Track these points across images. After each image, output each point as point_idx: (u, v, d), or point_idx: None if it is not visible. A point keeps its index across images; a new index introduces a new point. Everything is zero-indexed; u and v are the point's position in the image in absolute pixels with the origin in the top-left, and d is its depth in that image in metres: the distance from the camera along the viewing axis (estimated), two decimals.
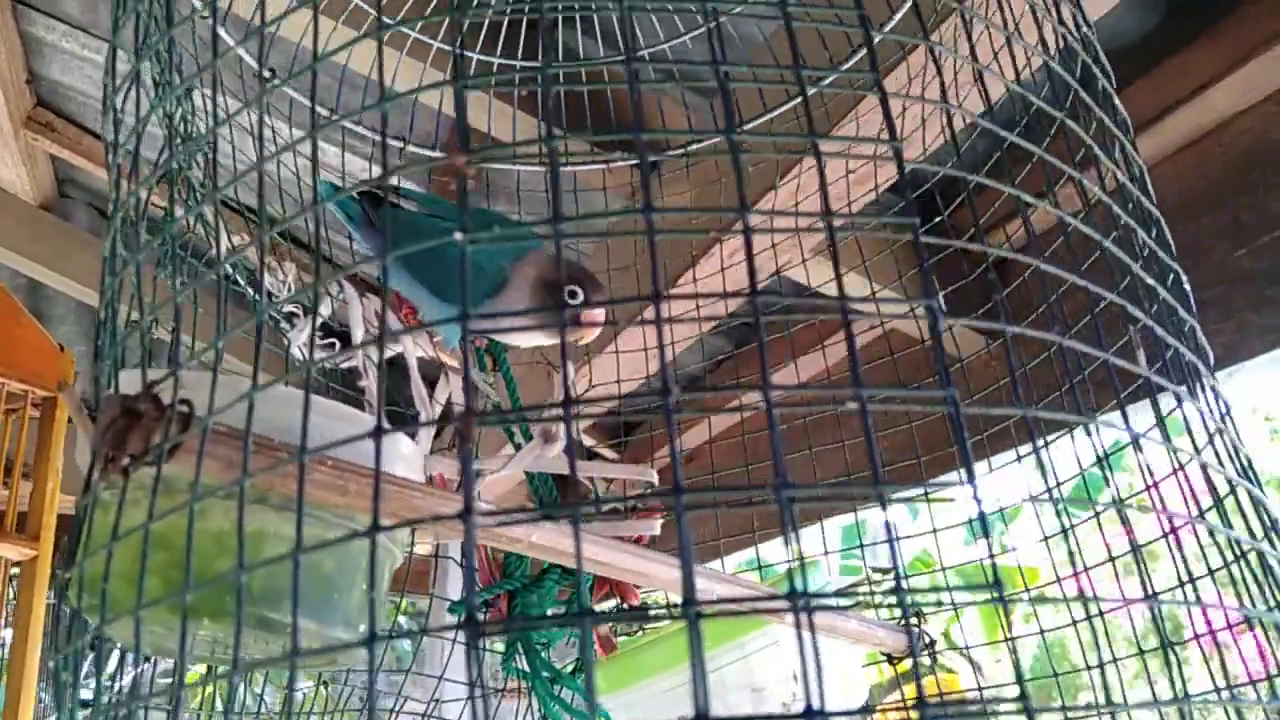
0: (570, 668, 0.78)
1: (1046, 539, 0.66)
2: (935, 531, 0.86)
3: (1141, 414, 0.49)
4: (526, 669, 0.77)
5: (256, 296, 0.82)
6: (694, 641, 0.27)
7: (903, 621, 0.74)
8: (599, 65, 0.76)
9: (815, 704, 0.27)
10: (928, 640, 0.76)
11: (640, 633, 0.89)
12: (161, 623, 0.44)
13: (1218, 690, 0.52)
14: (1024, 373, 0.88)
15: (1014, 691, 0.30)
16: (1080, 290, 0.45)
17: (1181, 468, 0.45)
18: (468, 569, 0.28)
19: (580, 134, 1.08)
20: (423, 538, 2.19)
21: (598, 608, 0.81)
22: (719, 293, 1.14)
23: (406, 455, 0.54)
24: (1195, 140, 1.25)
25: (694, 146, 1.01)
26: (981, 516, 0.31)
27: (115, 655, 0.58)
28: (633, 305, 1.25)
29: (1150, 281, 0.45)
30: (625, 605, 0.79)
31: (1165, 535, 0.48)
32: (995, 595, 0.31)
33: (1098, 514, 0.55)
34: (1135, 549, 0.50)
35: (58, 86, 1.76)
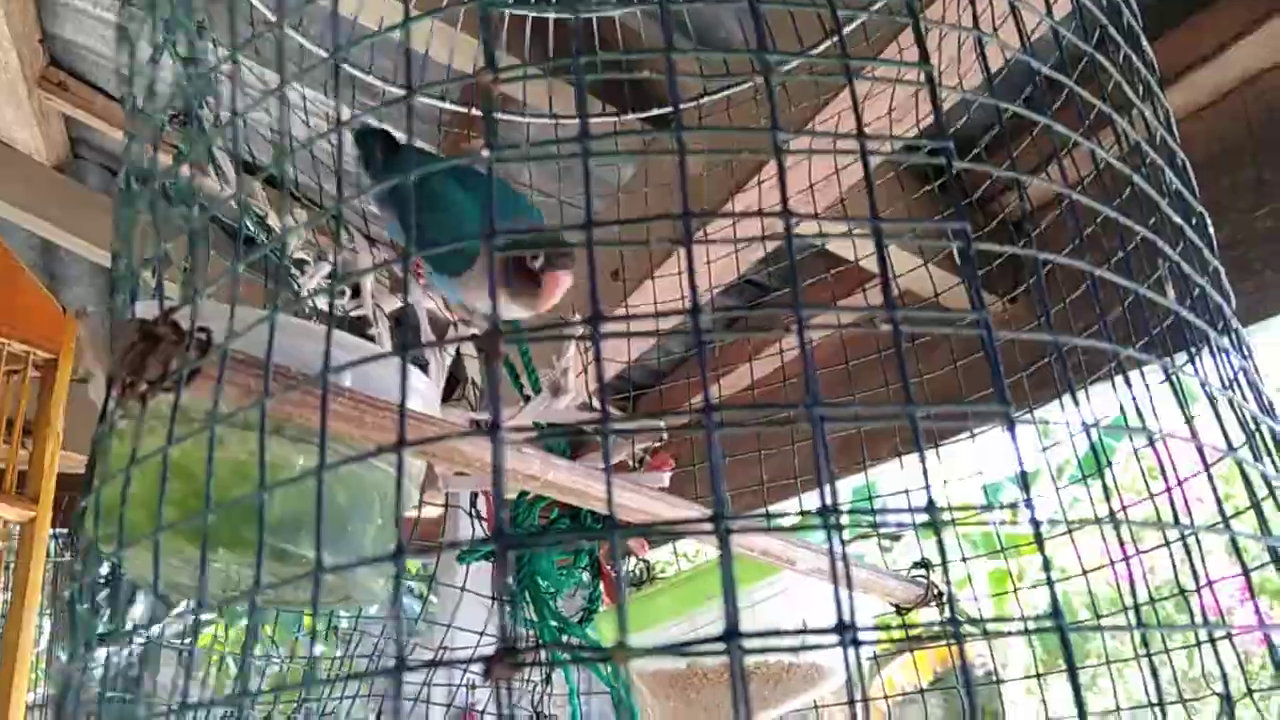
0: (577, 617, 0.79)
1: (1086, 477, 0.66)
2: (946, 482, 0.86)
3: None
4: (534, 618, 0.77)
5: (264, 239, 0.81)
6: (725, 559, 0.27)
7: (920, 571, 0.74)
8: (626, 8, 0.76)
9: (845, 618, 0.26)
10: (936, 592, 0.76)
11: (649, 585, 0.90)
12: (177, 553, 0.44)
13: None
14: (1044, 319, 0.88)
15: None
16: (1102, 240, 0.44)
17: (1214, 404, 0.44)
18: (497, 487, 0.27)
19: (628, 117, 1.07)
20: (433, 498, 2.19)
21: (606, 566, 0.81)
22: (755, 233, 1.13)
23: (422, 392, 0.54)
24: (1218, 98, 1.24)
25: (710, 98, 1.00)
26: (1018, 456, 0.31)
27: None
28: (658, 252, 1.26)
29: (1177, 220, 0.44)
30: (635, 557, 0.79)
31: (1206, 470, 0.47)
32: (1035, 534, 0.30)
33: (1147, 433, 0.55)
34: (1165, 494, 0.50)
35: (70, 45, 1.75)
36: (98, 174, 2.04)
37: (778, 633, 0.27)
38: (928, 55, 0.33)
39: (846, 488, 1.13)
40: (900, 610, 0.78)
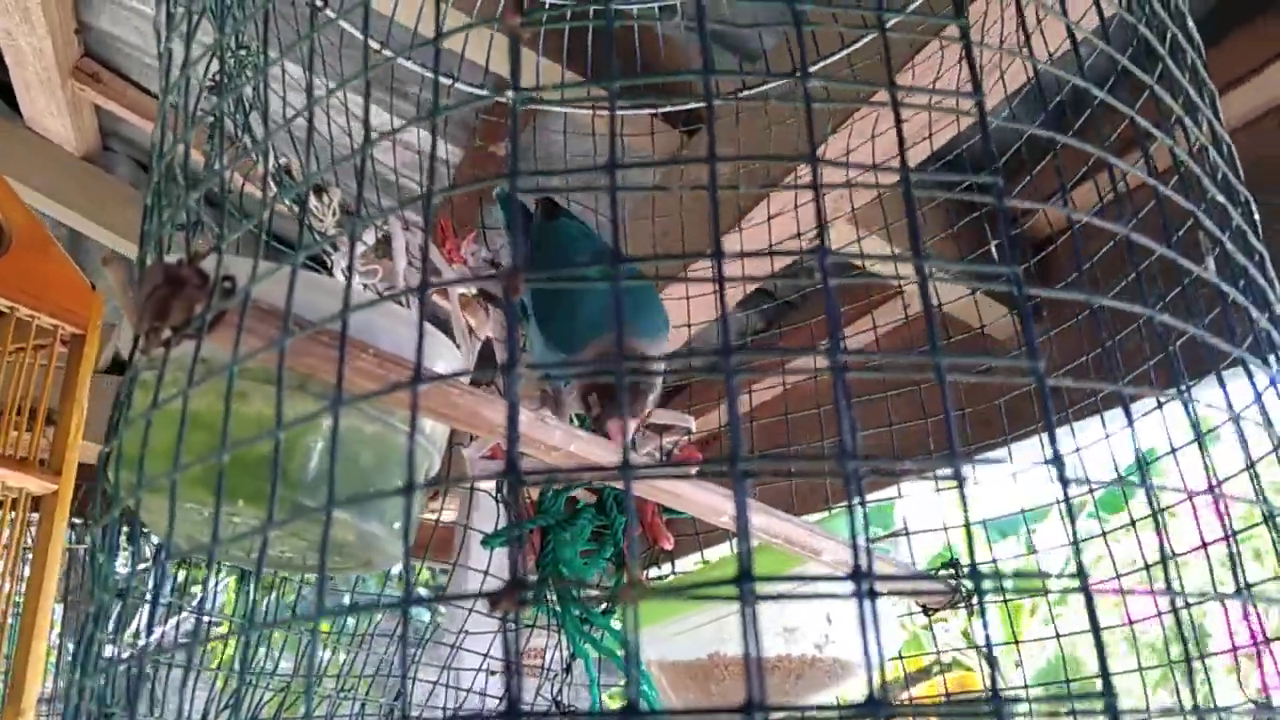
0: (601, 608, 0.77)
1: (1136, 521, 0.65)
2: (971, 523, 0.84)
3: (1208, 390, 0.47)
4: (557, 608, 0.76)
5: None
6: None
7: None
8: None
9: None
10: (965, 593, 0.74)
11: (671, 574, 0.89)
12: (197, 502, 0.44)
13: None
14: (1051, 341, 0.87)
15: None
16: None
17: (1260, 396, 0.43)
18: (512, 425, 0.27)
19: (638, 78, 1.06)
20: (450, 504, 2.17)
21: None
22: (783, 251, 1.12)
23: (449, 361, 0.53)
24: (1252, 120, 1.22)
25: (745, 94, 0.99)
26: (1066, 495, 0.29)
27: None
28: (674, 268, 1.24)
29: (1221, 199, 0.43)
30: (656, 548, 0.78)
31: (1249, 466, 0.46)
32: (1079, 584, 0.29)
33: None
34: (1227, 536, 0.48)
35: (105, 37, 1.77)
36: (127, 166, 2.06)
37: (789, 578, 0.25)
38: (979, 84, 0.32)
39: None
40: (927, 611, 0.77)
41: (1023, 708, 0.78)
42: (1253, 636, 0.56)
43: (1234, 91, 1.21)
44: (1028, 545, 0.86)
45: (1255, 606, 0.54)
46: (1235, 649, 0.60)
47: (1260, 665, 0.57)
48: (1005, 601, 0.72)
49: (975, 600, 0.72)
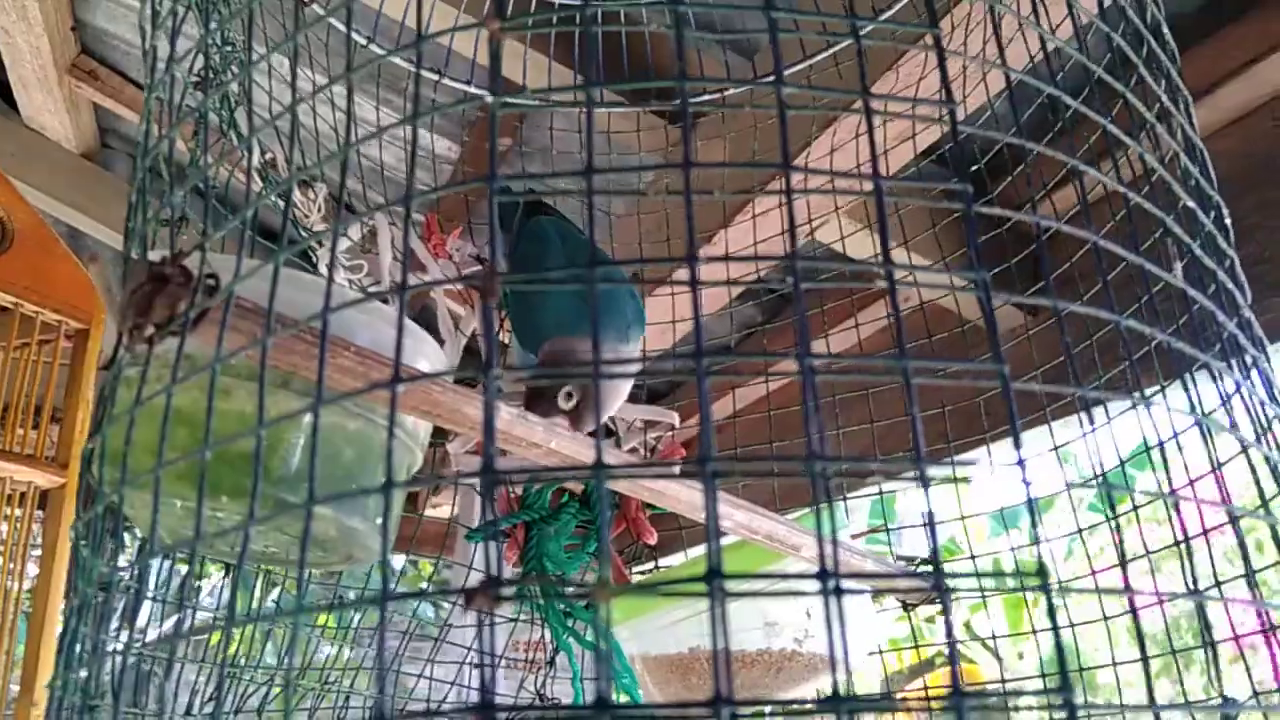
0: (584, 601, 0.78)
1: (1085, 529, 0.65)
2: (964, 518, 0.84)
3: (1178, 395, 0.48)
4: (540, 602, 0.77)
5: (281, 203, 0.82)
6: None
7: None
8: (638, 5, 0.76)
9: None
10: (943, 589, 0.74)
11: (655, 569, 0.89)
12: (181, 497, 0.44)
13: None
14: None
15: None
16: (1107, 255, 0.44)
17: (1227, 400, 0.44)
18: (488, 424, 0.27)
19: (619, 83, 1.07)
20: (444, 499, 2.17)
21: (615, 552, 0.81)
22: (755, 255, 1.13)
23: (430, 358, 0.54)
24: (1247, 114, 1.23)
25: (730, 92, 0.99)
26: (1030, 500, 0.30)
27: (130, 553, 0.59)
28: (661, 267, 1.25)
29: (1192, 204, 0.44)
30: (641, 544, 0.79)
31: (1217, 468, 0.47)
32: (1040, 582, 0.30)
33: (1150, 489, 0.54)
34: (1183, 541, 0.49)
35: (102, 34, 1.77)
36: (126, 163, 2.06)
37: (760, 575, 0.26)
38: (951, 92, 0.33)
39: (860, 504, 1.11)
40: (906, 606, 0.78)
41: (1024, 700, 0.78)
42: (1232, 633, 0.57)
43: (1228, 85, 1.21)
44: (1032, 537, 0.86)
45: (1225, 604, 0.55)
46: (1210, 643, 0.60)
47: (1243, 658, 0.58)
48: (984, 598, 0.73)
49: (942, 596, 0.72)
